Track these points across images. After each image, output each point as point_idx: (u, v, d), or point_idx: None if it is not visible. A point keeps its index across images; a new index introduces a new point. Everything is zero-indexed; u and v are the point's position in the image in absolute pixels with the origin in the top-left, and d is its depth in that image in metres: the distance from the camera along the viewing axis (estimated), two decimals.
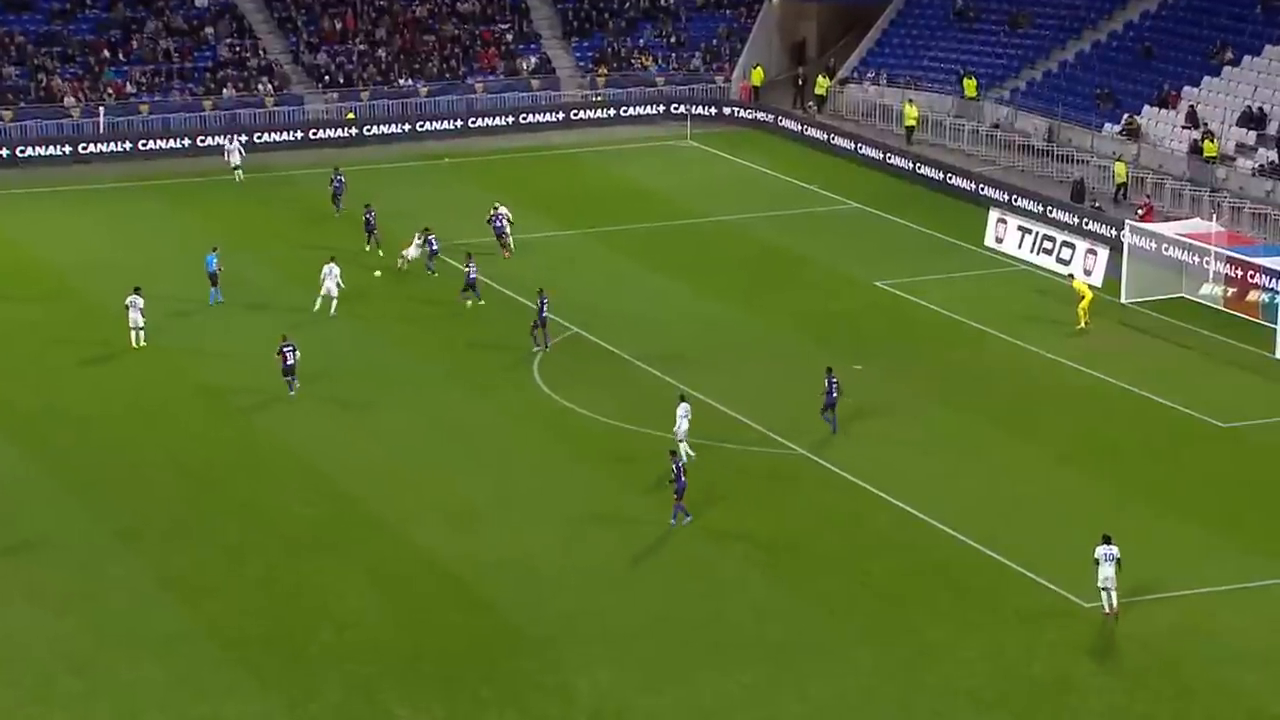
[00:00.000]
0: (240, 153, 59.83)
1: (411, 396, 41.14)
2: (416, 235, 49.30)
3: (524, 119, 66.73)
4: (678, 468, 34.13)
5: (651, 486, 36.03)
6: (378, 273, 48.22)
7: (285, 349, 40.77)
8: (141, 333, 43.57)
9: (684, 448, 36.42)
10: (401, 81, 67.90)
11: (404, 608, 31.27)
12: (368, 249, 50.36)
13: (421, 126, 65.92)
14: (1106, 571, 30.41)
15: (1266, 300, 44.74)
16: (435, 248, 49.28)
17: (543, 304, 43.36)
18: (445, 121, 66.24)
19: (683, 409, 36.86)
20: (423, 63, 68.91)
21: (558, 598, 31.57)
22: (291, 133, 64.70)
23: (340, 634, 30.38)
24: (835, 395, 38.29)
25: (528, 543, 33.77)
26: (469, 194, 58.82)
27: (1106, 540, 30.62)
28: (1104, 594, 30.55)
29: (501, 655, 29.64)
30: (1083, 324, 44.41)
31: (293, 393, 40.69)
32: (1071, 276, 46.10)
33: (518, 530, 34.35)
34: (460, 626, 30.60)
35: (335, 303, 45.80)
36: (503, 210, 51.16)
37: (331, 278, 45.87)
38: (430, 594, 31.73)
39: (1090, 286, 45.81)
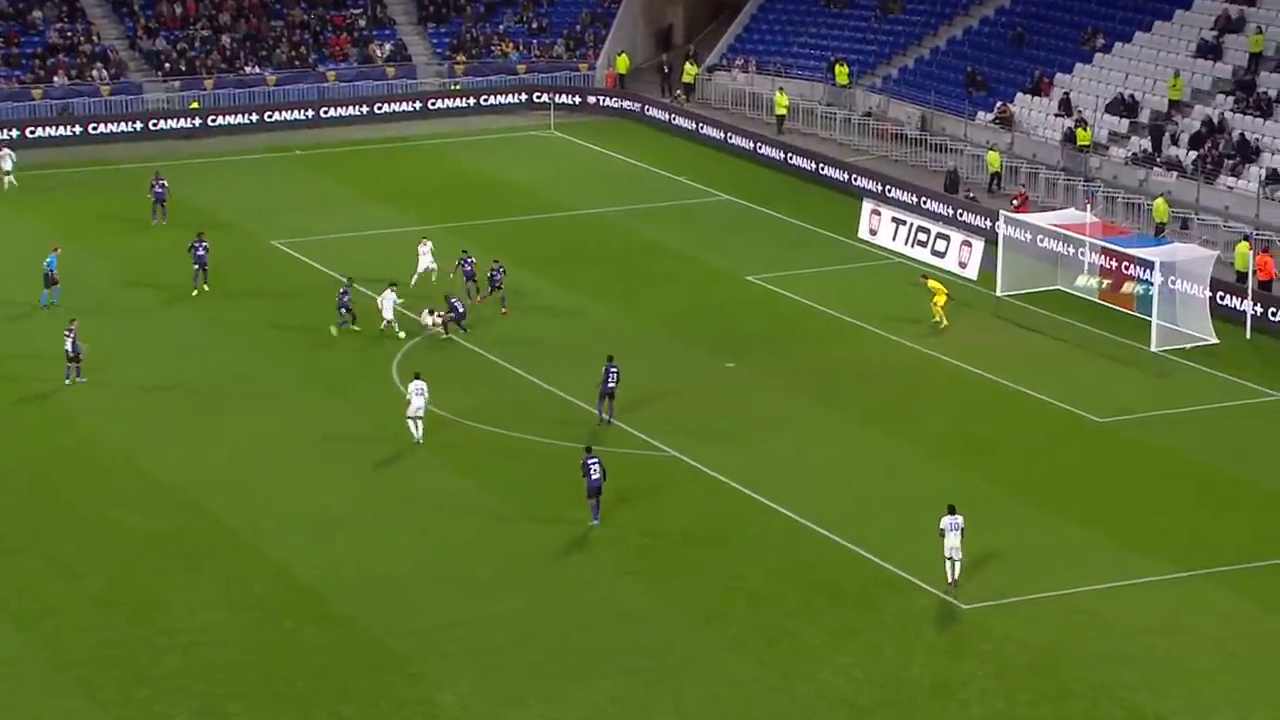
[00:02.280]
0: (11, 159, 56.88)
1: (263, 400, 40.61)
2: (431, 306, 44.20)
3: (379, 109, 66.27)
4: (586, 464, 34.07)
5: (517, 490, 35.94)
6: (440, 325, 43.72)
7: (65, 332, 40.43)
8: None
9: (412, 426, 37.44)
10: (248, 69, 67.01)
11: (257, 623, 30.85)
12: (195, 292, 46.62)
13: (270, 116, 65.13)
14: (953, 541, 31.47)
15: (1141, 292, 45.73)
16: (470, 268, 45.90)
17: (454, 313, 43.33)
18: (295, 111, 65.54)
19: (416, 385, 37.50)
20: (270, 49, 68.08)
21: (419, 609, 31.35)
22: (130, 123, 63.59)
23: (188, 653, 29.88)
24: (612, 385, 38.52)
25: (387, 552, 33.50)
26: (322, 187, 58.23)
27: (951, 510, 31.64)
28: (948, 564, 31.53)
29: (361, 671, 29.36)
30: (941, 320, 44.69)
31: (70, 380, 40.41)
32: (925, 277, 46.04)
33: (377, 539, 34.06)
34: (317, 641, 30.26)
35: (395, 325, 43.61)
36: (429, 245, 47.23)
37: (388, 302, 43.67)
38: (285, 608, 31.34)
39: (945, 284, 45.72)
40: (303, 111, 65.56)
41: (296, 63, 67.71)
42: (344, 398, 40.81)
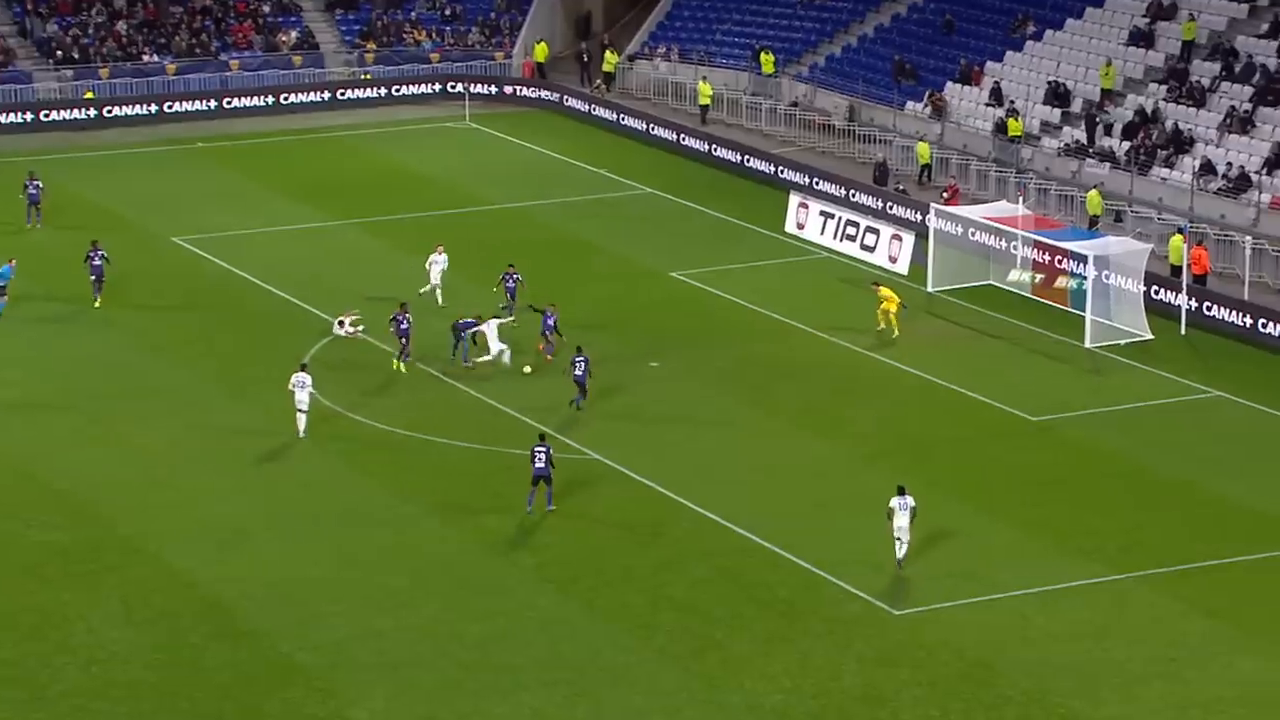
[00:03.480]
0: None
1: (164, 405, 40.25)
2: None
3: (285, 99, 65.85)
4: (533, 452, 34.47)
5: (430, 495, 35.84)
6: (527, 369, 41.24)
7: None
8: None
9: (301, 420, 37.68)
10: (146, 57, 66.38)
11: (160, 639, 30.58)
12: (97, 304, 45.42)
13: (170, 107, 64.55)
14: (900, 522, 32.28)
15: (1075, 286, 46.20)
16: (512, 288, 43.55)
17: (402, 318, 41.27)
18: (197, 102, 64.99)
19: (298, 379, 37.75)
20: (169, 37, 67.47)
21: (330, 621, 31.19)
22: (19, 114, 62.81)
23: (87, 670, 29.58)
24: (579, 374, 38.95)
25: (295, 561, 33.31)
26: (226, 181, 57.80)
27: (901, 491, 32.45)
28: (897, 544, 32.37)
29: (269, 687, 29.18)
30: (894, 330, 44.01)
31: None
32: (876, 284, 45.43)
33: (284, 548, 33.87)
34: (223, 657, 30.04)
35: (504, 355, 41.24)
36: (443, 257, 45.46)
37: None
38: (188, 622, 31.09)
39: (894, 285, 45.64)
40: (204, 102, 65.02)
41: (197, 51, 67.13)
42: (249, 402, 40.51)
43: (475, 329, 41.68)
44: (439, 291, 45.60)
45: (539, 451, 34.71)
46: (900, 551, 32.67)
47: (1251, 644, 30.57)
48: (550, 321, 42.17)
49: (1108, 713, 28.65)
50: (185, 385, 41.50)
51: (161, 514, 35.15)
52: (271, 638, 30.58)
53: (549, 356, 41.89)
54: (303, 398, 37.98)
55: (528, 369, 41.61)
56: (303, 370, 38.51)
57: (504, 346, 41.47)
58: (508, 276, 44.87)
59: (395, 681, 29.34)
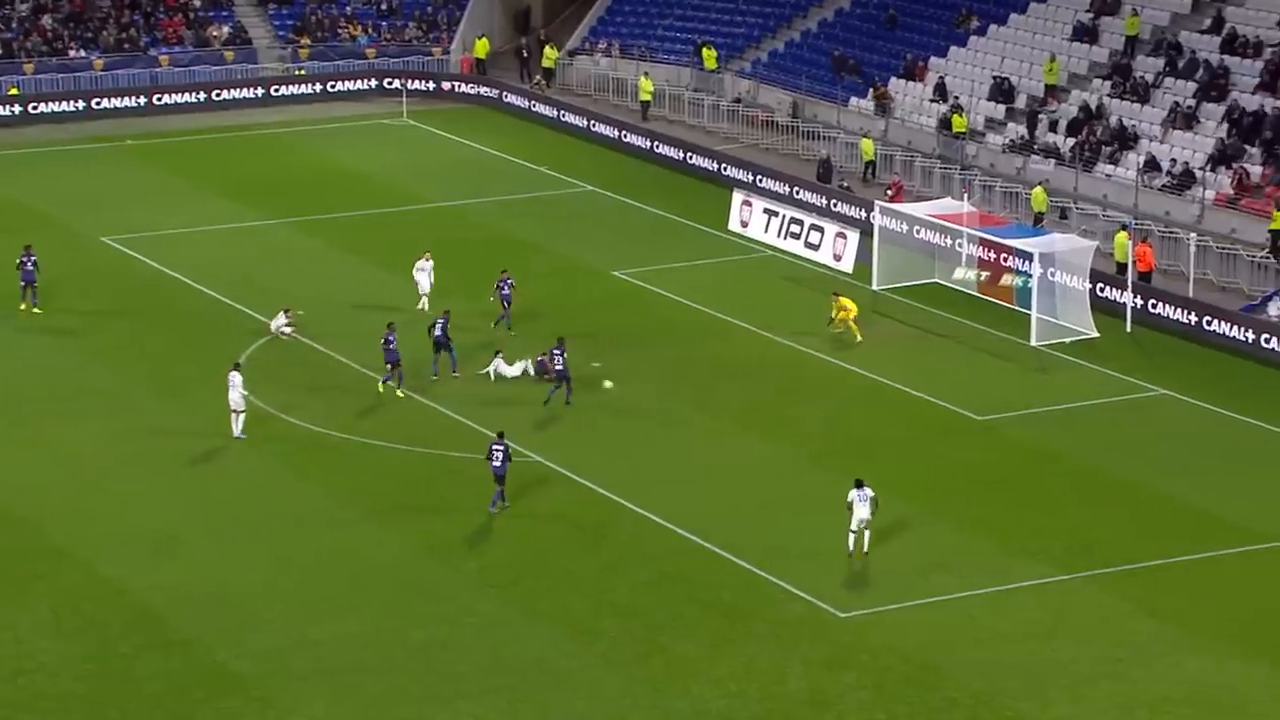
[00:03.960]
0: None
1: (95, 407, 39.92)
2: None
3: (217, 95, 65.46)
4: (490, 450, 34.55)
5: (370, 500, 35.69)
6: (608, 384, 40.45)
7: None
8: None
9: (236, 422, 37.56)
10: (72, 52, 65.80)
11: (90, 649, 30.33)
12: (24, 307, 44.80)
13: (98, 104, 64.04)
14: (861, 514, 32.74)
15: (1020, 284, 46.50)
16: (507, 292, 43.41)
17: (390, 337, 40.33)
18: (125, 98, 64.52)
19: (230, 378, 37.70)
20: (97, 31, 66.92)
21: (267, 628, 31.01)
22: None
23: (13, 682, 29.30)
24: (559, 367, 39.32)
25: (231, 567, 33.11)
26: (157, 179, 57.41)
27: (859, 485, 32.90)
28: (851, 536, 32.81)
29: (203, 697, 28.98)
30: (857, 335, 44.07)
31: None
32: (836, 294, 45.02)
33: (219, 553, 33.65)
34: (155, 667, 29.82)
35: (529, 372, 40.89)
36: (430, 263, 44.97)
37: (500, 365, 41.00)
38: (120, 631, 30.84)
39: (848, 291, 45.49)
40: (133, 98, 64.54)
41: (126, 45, 66.60)
42: (182, 404, 40.23)
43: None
44: (425, 299, 45.12)
45: (496, 449, 34.71)
46: (852, 544, 32.96)
47: (1198, 643, 30.85)
48: (545, 360, 41.26)
49: (1056, 713, 28.83)
50: (115, 387, 41.17)
51: (92, 519, 34.84)
52: (206, 646, 30.37)
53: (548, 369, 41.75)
54: (235, 398, 37.78)
55: (608, 384, 40.67)
56: (235, 370, 38.31)
57: (524, 365, 41.13)
58: (502, 283, 44.39)
59: (334, 689, 29.20)
